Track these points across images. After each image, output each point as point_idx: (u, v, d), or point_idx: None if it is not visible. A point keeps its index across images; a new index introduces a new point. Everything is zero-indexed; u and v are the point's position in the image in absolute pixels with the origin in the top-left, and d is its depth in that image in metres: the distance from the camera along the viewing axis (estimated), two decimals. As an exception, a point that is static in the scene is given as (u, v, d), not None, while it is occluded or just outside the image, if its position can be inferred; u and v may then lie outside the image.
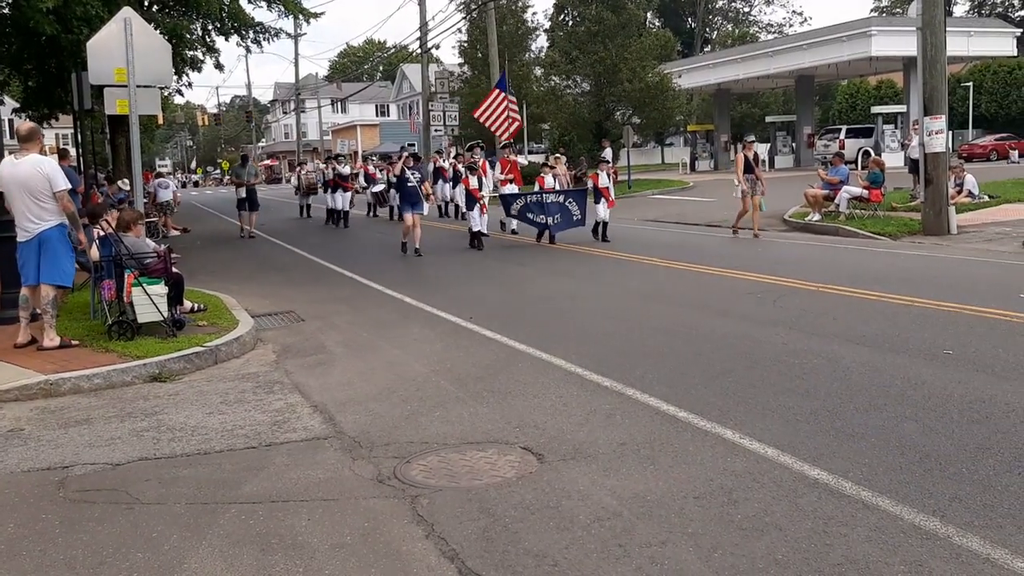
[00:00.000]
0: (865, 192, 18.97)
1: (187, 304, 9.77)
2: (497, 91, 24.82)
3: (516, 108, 25.20)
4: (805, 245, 15.64)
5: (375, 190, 27.08)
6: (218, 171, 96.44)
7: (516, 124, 25.12)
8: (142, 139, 21.26)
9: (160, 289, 8.83)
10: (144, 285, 8.72)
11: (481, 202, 17.04)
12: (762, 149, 47.37)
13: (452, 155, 27.94)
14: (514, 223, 18.70)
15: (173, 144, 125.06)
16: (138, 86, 10.79)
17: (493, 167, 19.67)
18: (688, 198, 28.82)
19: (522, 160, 22.82)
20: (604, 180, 17.51)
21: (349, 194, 25.16)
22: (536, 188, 17.96)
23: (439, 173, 25.31)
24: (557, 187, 18.19)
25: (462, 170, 23.93)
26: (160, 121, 37.99)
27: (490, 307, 10.54)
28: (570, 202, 17.03)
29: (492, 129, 24.95)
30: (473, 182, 17.15)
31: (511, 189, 18.83)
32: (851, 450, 5.08)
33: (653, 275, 12.69)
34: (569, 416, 6.02)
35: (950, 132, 22.01)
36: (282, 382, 7.46)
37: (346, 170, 25.92)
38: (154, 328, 8.85)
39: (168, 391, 7.30)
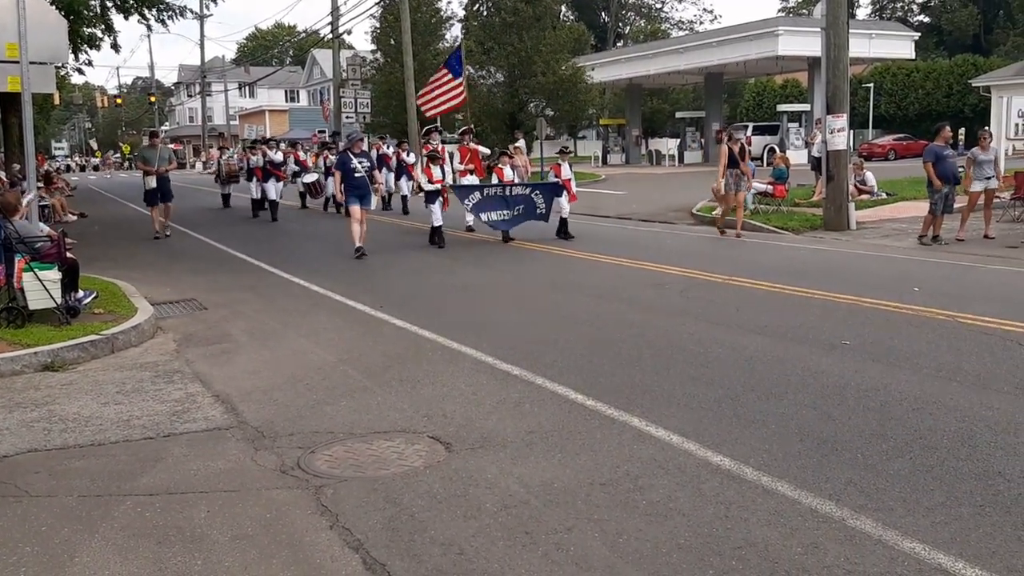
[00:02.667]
0: (770, 188, 19.49)
1: (81, 292, 9.39)
2: (444, 71, 23.31)
3: (461, 89, 23.17)
4: (712, 238, 15.95)
5: (307, 180, 23.92)
6: (118, 155, 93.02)
7: (451, 105, 23.34)
8: (37, 119, 20.31)
9: (53, 275, 8.47)
10: (36, 270, 8.35)
11: (445, 195, 15.35)
12: (672, 144, 48.45)
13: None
14: (470, 218, 16.58)
15: (71, 126, 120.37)
16: (31, 63, 10.32)
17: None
18: (600, 191, 29.11)
19: (484, 149, 20.51)
20: (567, 171, 15.89)
21: (281, 184, 22.43)
22: (495, 180, 15.95)
23: (382, 161, 22.72)
24: (516, 179, 16.31)
25: (406, 159, 21.80)
26: (56, 101, 36.52)
27: (403, 297, 10.44)
28: (536, 194, 15.46)
29: (427, 112, 23.51)
30: (436, 172, 15.37)
31: (471, 181, 17.23)
32: (753, 437, 5.20)
33: (567, 266, 12.77)
34: (478, 405, 6.01)
35: (851, 131, 22.77)
36: (182, 371, 7.25)
37: (278, 157, 22.92)
38: (47, 315, 8.48)
39: (61, 381, 7.01)
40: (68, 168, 74.97)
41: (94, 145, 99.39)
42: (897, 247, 14.09)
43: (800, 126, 41.99)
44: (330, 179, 21.88)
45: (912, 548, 3.79)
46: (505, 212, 15.14)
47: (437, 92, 23.39)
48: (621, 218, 20.19)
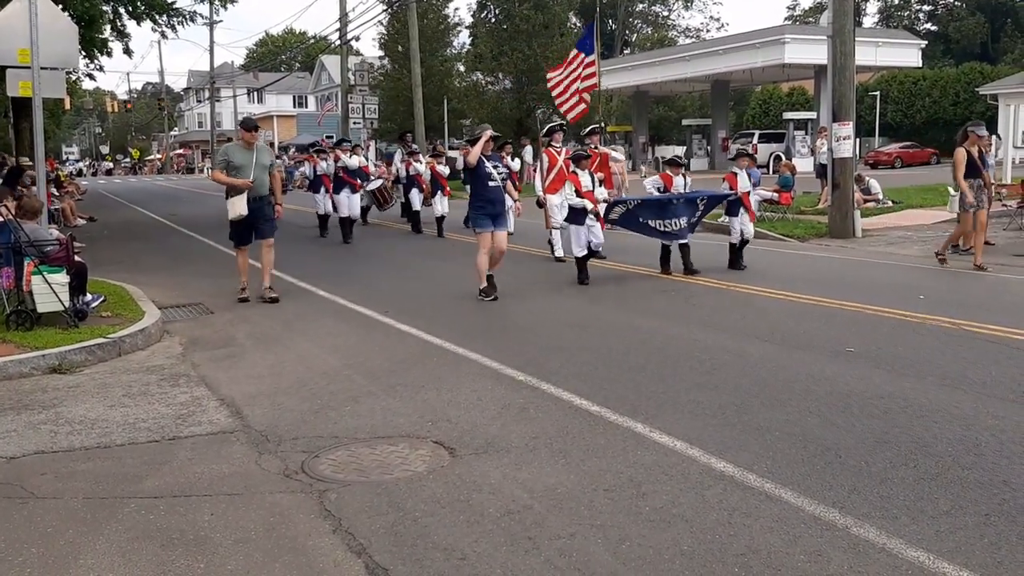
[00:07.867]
0: (775, 195, 19.43)
1: (89, 295, 9.43)
2: (576, 53, 17.99)
3: (593, 70, 17.59)
4: (717, 245, 15.92)
5: (370, 187, 19.92)
6: (127, 159, 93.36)
7: (587, 87, 17.80)
8: (48, 124, 20.33)
9: (62, 278, 8.51)
10: (45, 274, 8.39)
11: (596, 210, 11.71)
12: (679, 151, 48.49)
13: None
14: (559, 247, 13.60)
15: (81, 131, 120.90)
16: (42, 68, 10.39)
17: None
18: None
19: (617, 155, 16.34)
20: (745, 183, 12.33)
21: (357, 196, 18.59)
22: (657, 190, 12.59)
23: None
24: (686, 190, 12.47)
25: (511, 164, 16.27)
26: (67, 106, 36.65)
27: (407, 302, 10.45)
28: (702, 201, 12.16)
29: (562, 108, 18.75)
30: (585, 181, 11.81)
31: (601, 194, 12.65)
32: (756, 443, 5.20)
33: (572, 273, 12.74)
34: (483, 410, 6.01)
35: (857, 139, 22.75)
36: (188, 375, 7.28)
37: (354, 162, 18.60)
38: (55, 318, 8.52)
39: (68, 383, 7.04)
40: (80, 172, 75.20)
41: (104, 150, 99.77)
42: (903, 255, 14.07)
43: (806, 134, 41.96)
44: (413, 191, 19.37)
45: (916, 557, 3.78)
46: (668, 222, 11.72)
47: (571, 81, 18.19)
48: (627, 225, 20.12)
